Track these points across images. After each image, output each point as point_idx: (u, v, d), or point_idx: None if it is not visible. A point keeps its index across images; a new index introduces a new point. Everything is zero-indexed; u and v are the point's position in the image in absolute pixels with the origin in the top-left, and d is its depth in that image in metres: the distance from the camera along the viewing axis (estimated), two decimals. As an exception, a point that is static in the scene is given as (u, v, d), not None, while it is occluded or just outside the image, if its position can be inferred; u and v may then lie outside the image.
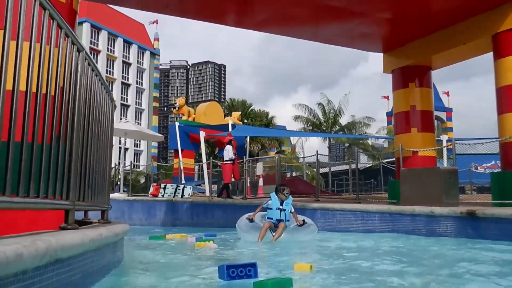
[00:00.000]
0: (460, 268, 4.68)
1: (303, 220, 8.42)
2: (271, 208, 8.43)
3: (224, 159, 14.34)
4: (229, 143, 14.60)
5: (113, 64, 68.25)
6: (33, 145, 2.30)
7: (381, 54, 13.07)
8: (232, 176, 14.75)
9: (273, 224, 8.23)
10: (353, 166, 26.59)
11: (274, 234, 8.09)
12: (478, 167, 32.70)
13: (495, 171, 28.66)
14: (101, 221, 4.64)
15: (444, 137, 22.35)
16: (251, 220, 8.49)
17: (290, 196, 8.58)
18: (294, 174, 38.38)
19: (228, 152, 14.32)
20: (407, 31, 11.63)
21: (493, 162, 30.90)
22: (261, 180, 17.42)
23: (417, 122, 12.06)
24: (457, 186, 9.82)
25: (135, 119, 72.73)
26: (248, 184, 16.47)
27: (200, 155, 29.25)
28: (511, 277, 4.09)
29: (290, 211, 8.41)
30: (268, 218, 8.41)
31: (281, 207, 8.32)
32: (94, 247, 2.88)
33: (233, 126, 26.14)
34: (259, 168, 16.60)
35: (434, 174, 9.72)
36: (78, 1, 6.09)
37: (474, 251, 6.26)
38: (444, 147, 12.18)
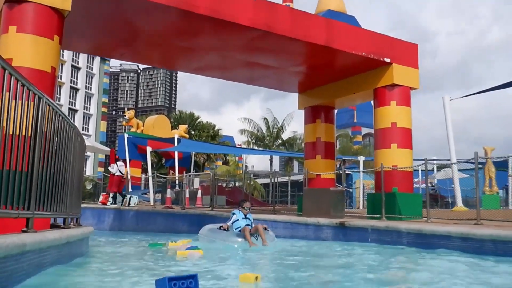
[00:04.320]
0: (332, 260, 7.53)
1: (265, 228, 9.47)
2: (237, 220, 9.43)
3: (115, 173, 17.91)
4: (118, 160, 18.58)
5: (61, 68, 68.34)
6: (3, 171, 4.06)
7: (297, 94, 16.19)
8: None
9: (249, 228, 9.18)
10: (293, 178, 29.83)
11: (256, 238, 8.95)
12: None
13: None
14: (74, 225, 7.12)
15: (361, 158, 25.93)
16: (226, 229, 9.50)
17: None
18: (237, 184, 40.64)
19: (119, 167, 18.01)
20: (315, 78, 14.71)
21: (423, 178, 34.90)
22: (199, 191, 20.01)
23: (321, 150, 15.22)
24: (343, 203, 12.93)
25: (83, 124, 72.87)
26: (188, 195, 19.03)
27: (147, 163, 31.08)
28: (357, 263, 6.98)
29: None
30: (236, 228, 9.35)
31: (245, 217, 9.52)
32: (57, 243, 4.98)
33: (179, 140, 28.53)
34: (197, 182, 19.17)
35: (326, 193, 12.76)
36: (57, 70, 8.56)
37: (341, 249, 9.24)
38: (336, 172, 15.28)
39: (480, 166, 22.76)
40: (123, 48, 12.24)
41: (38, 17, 8.20)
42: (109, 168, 18.57)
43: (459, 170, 31.95)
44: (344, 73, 14.01)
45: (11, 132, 3.78)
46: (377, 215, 12.05)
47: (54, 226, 6.46)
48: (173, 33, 11.23)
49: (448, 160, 15.55)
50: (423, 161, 11.86)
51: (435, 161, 25.26)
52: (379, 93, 13.22)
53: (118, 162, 18.33)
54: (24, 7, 8.15)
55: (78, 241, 6.42)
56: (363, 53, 12.29)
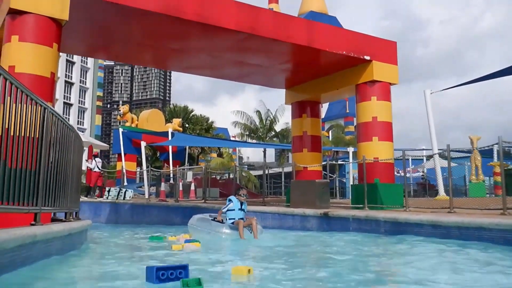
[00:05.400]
0: (318, 246, 8.24)
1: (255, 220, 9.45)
2: (233, 210, 9.34)
3: (93, 169, 19.06)
4: (96, 156, 19.56)
5: (56, 64, 68.40)
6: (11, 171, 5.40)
7: (284, 90, 16.86)
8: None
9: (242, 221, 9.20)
10: (286, 169, 30.52)
11: (251, 231, 9.03)
12: (400, 171, 37.62)
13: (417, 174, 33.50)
14: (74, 219, 7.80)
15: (350, 149, 26.67)
16: (221, 222, 9.52)
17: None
18: (231, 176, 41.26)
19: (97, 163, 19.15)
20: (301, 75, 15.38)
21: (412, 166, 35.70)
22: (192, 184, 20.69)
23: (307, 144, 15.94)
24: (328, 194, 13.66)
25: (78, 118, 73.23)
26: (181, 188, 19.73)
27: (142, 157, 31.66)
28: (340, 250, 7.70)
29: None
30: (230, 218, 9.35)
31: (241, 207, 9.46)
32: (61, 234, 5.73)
33: (172, 134, 29.17)
34: (190, 175, 19.85)
35: (312, 185, 13.46)
36: (55, 76, 9.20)
37: (324, 237, 10.00)
38: (320, 164, 16.00)
39: (467, 154, 23.56)
40: (116, 50, 12.86)
41: (38, 26, 8.82)
42: (87, 163, 19.47)
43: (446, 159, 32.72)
44: (328, 70, 14.67)
45: (21, 136, 4.48)
46: (361, 205, 12.80)
47: (54, 220, 7.15)
48: (164, 36, 11.85)
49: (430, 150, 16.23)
50: (403, 153, 12.61)
51: (410, 154, 26.07)
52: (361, 88, 13.91)
53: (96, 159, 19.33)
54: (25, 18, 8.77)
55: (78, 233, 7.11)
56: (344, 52, 12.96)
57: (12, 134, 4.23)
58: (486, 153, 24.52)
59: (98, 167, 19.22)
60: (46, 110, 5.34)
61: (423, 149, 31.85)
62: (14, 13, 8.78)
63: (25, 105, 4.56)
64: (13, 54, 8.68)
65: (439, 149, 16.52)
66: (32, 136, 4.89)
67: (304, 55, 13.15)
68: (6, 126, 4.08)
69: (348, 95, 15.86)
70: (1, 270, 3.62)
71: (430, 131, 16.52)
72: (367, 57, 13.42)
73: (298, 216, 12.60)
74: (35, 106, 4.92)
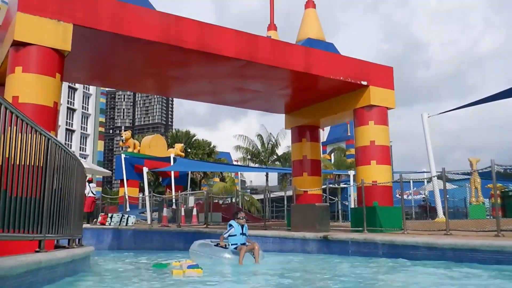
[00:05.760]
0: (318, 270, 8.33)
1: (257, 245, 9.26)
2: (235, 235, 9.20)
3: (88, 194, 19.06)
4: (90, 181, 20.08)
5: (59, 91, 69.21)
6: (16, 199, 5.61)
7: (284, 115, 17.15)
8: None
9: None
10: (288, 193, 30.59)
11: (253, 256, 8.89)
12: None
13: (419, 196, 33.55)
14: (77, 245, 7.94)
15: (351, 172, 26.80)
16: (224, 247, 9.40)
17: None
18: (234, 200, 41.24)
19: (91, 189, 19.59)
20: (300, 100, 15.68)
21: (415, 189, 35.76)
22: (195, 209, 20.79)
23: (307, 168, 16.12)
24: (328, 217, 13.77)
25: (81, 144, 73.64)
26: (183, 213, 19.83)
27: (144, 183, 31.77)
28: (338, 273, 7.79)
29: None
30: (232, 244, 9.22)
31: (243, 231, 9.31)
32: (64, 261, 5.93)
33: (174, 159, 29.40)
34: (191, 200, 19.98)
35: (312, 208, 13.61)
36: (58, 105, 9.48)
37: (325, 262, 10.08)
38: (320, 188, 16.14)
39: (468, 176, 23.68)
40: (118, 79, 13.21)
41: (41, 58, 9.15)
42: None
43: (448, 181, 32.68)
44: (326, 95, 14.97)
45: (26, 166, 4.68)
46: (360, 228, 12.88)
47: (58, 246, 7.30)
48: (165, 64, 12.20)
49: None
50: (400, 176, 12.74)
51: (412, 176, 26.21)
52: (358, 113, 14.17)
53: (91, 184, 19.62)
54: (29, 49, 9.10)
55: (81, 259, 7.24)
56: (341, 77, 13.28)
57: (18, 163, 4.44)
58: (486, 175, 24.66)
59: (92, 192, 19.53)
60: (50, 141, 5.57)
61: (424, 172, 31.94)
62: (18, 45, 9.12)
63: (29, 136, 4.79)
64: (17, 84, 8.98)
65: (437, 172, 16.64)
66: (37, 164, 5.10)
67: (302, 81, 13.46)
68: (12, 156, 4.29)
69: (346, 119, 16.14)
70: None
71: (428, 153, 16.71)
72: (364, 83, 13.72)
73: (299, 240, 12.66)
74: (39, 137, 5.14)
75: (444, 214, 18.71)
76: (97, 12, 9.88)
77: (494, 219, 15.73)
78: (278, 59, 12.22)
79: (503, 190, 18.95)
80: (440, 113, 16.95)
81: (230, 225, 9.37)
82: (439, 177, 20.45)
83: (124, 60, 11.80)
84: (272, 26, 15.88)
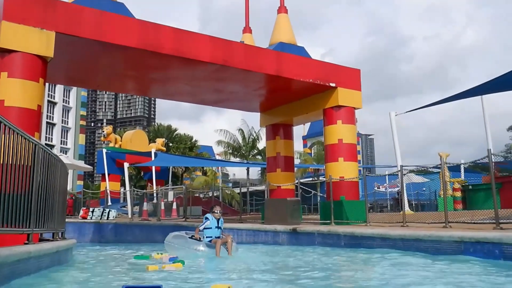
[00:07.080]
0: (283, 259, 9.14)
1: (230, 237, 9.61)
2: (210, 228, 9.52)
3: None
4: None
5: (40, 84, 68.61)
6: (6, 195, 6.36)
7: (259, 113, 17.98)
8: None
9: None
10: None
11: (226, 248, 9.18)
12: (380, 187, 38.89)
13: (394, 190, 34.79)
14: (60, 239, 8.65)
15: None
16: (199, 239, 9.67)
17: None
18: (214, 194, 41.85)
19: None
20: (273, 100, 16.53)
21: (392, 181, 36.94)
22: (174, 203, 21.49)
23: (281, 164, 17.02)
24: (299, 211, 14.66)
25: (62, 138, 73.29)
26: (163, 207, 20.52)
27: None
28: (306, 264, 8.65)
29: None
30: (207, 236, 9.52)
31: (218, 225, 9.64)
32: (50, 252, 6.68)
33: (156, 154, 29.95)
34: (171, 195, 20.68)
35: (284, 203, 14.46)
36: (42, 108, 10.14)
37: (293, 252, 10.83)
38: (293, 184, 17.06)
39: (437, 170, 24.83)
40: (98, 80, 13.86)
41: (25, 64, 9.79)
42: None
43: (424, 175, 34.09)
44: (298, 96, 15.83)
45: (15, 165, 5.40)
46: (328, 221, 13.80)
47: (42, 240, 8.01)
48: (144, 67, 12.90)
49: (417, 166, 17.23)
50: (363, 171, 13.72)
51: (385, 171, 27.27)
52: (327, 113, 15.07)
53: None
54: (14, 56, 9.74)
55: (64, 250, 7.98)
56: (310, 80, 14.15)
57: (10, 164, 5.16)
58: (456, 169, 25.94)
59: None
60: (37, 146, 6.29)
61: (394, 166, 33.15)
62: (3, 51, 9.73)
63: (20, 141, 5.51)
64: (2, 89, 9.61)
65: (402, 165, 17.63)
66: (26, 164, 5.82)
67: (275, 83, 14.29)
68: (5, 159, 5.01)
69: (317, 118, 17.03)
70: (6, 279, 4.52)
71: (395, 150, 17.71)
72: (333, 84, 14.61)
73: (270, 232, 13.51)
74: (28, 143, 5.86)
75: (411, 207, 19.82)
76: (78, 20, 10.52)
77: (455, 212, 16.92)
78: (251, 63, 13.02)
79: (463, 184, 20.10)
80: (407, 112, 17.92)
81: (206, 218, 9.74)
82: (416, 171, 21.54)
83: (105, 64, 12.45)
84: (247, 29, 16.66)
